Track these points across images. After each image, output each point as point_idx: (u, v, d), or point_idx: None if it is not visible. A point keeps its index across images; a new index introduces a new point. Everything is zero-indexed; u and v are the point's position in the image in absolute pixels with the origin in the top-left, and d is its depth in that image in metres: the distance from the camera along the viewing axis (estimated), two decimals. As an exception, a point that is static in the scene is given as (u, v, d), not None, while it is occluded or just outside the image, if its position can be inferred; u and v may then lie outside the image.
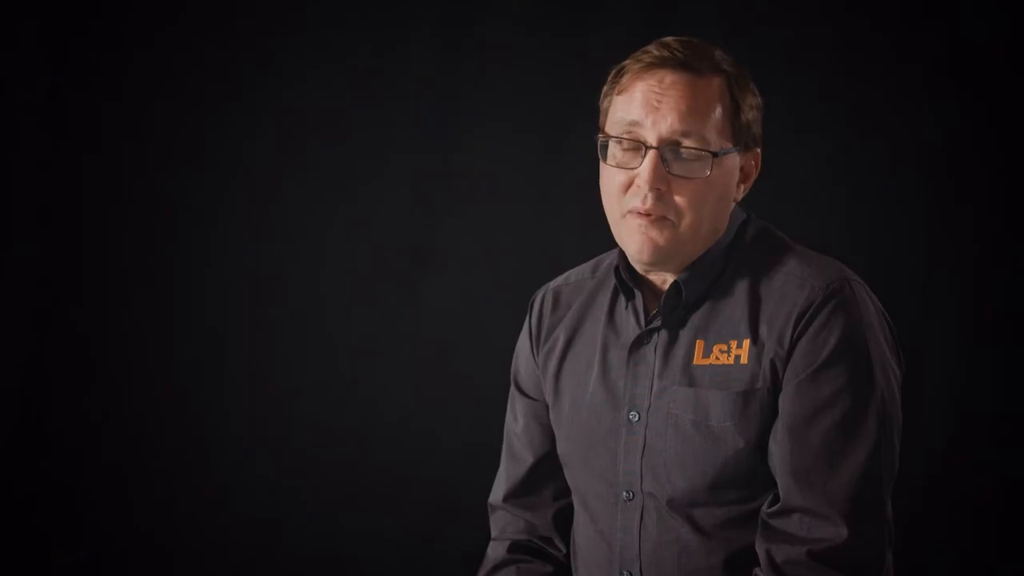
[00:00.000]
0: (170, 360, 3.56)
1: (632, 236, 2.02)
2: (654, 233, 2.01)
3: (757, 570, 1.99)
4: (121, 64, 3.52)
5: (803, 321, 1.98)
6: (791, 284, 2.02)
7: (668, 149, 1.99)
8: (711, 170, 2.00)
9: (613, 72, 2.05)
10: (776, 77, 3.19)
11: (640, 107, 2.00)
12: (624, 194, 2.02)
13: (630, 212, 2.01)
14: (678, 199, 2.00)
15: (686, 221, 2.00)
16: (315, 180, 3.53)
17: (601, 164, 2.05)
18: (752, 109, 2.04)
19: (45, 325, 3.55)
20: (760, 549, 1.98)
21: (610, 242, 2.10)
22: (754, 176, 2.08)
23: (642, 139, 2.00)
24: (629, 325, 2.09)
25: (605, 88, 2.06)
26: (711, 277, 2.05)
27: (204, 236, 3.55)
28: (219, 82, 3.52)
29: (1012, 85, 3.23)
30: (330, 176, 3.53)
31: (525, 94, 3.45)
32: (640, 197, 2.00)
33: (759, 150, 2.08)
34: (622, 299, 2.11)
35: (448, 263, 3.51)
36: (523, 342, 2.23)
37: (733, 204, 2.07)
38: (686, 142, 1.99)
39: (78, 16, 3.50)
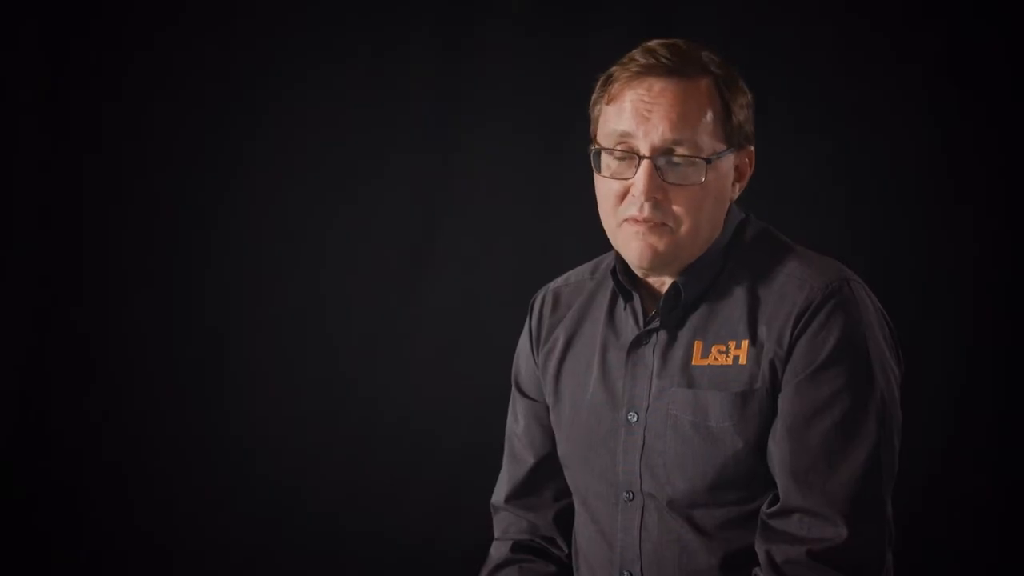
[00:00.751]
0: (170, 360, 3.56)
1: (630, 243, 2.02)
2: (653, 239, 2.00)
3: (757, 570, 1.99)
4: (121, 64, 3.51)
5: (802, 321, 1.98)
6: (790, 284, 2.01)
7: (661, 158, 1.99)
8: (706, 176, 1.99)
9: (601, 80, 2.04)
10: (776, 77, 3.20)
11: (631, 117, 1.99)
12: (620, 204, 2.01)
13: (627, 220, 2.01)
14: (675, 207, 2.00)
15: (684, 227, 2.00)
16: (315, 180, 3.53)
17: (595, 174, 2.04)
18: (743, 108, 2.04)
19: (45, 325, 3.55)
20: (760, 549, 1.98)
21: (610, 242, 2.09)
22: (749, 174, 2.08)
23: (635, 149, 1.99)
24: (628, 326, 2.09)
25: (594, 96, 2.05)
26: (709, 278, 2.05)
27: (204, 236, 3.55)
28: (219, 82, 3.51)
29: (1012, 85, 3.23)
30: (330, 176, 3.53)
31: (525, 94, 3.45)
32: (636, 206, 1.99)
33: (752, 147, 2.07)
34: (621, 300, 2.11)
35: (448, 263, 3.51)
36: (523, 343, 2.23)
37: (729, 203, 2.07)
38: (679, 150, 1.98)
39: (78, 16, 3.50)
